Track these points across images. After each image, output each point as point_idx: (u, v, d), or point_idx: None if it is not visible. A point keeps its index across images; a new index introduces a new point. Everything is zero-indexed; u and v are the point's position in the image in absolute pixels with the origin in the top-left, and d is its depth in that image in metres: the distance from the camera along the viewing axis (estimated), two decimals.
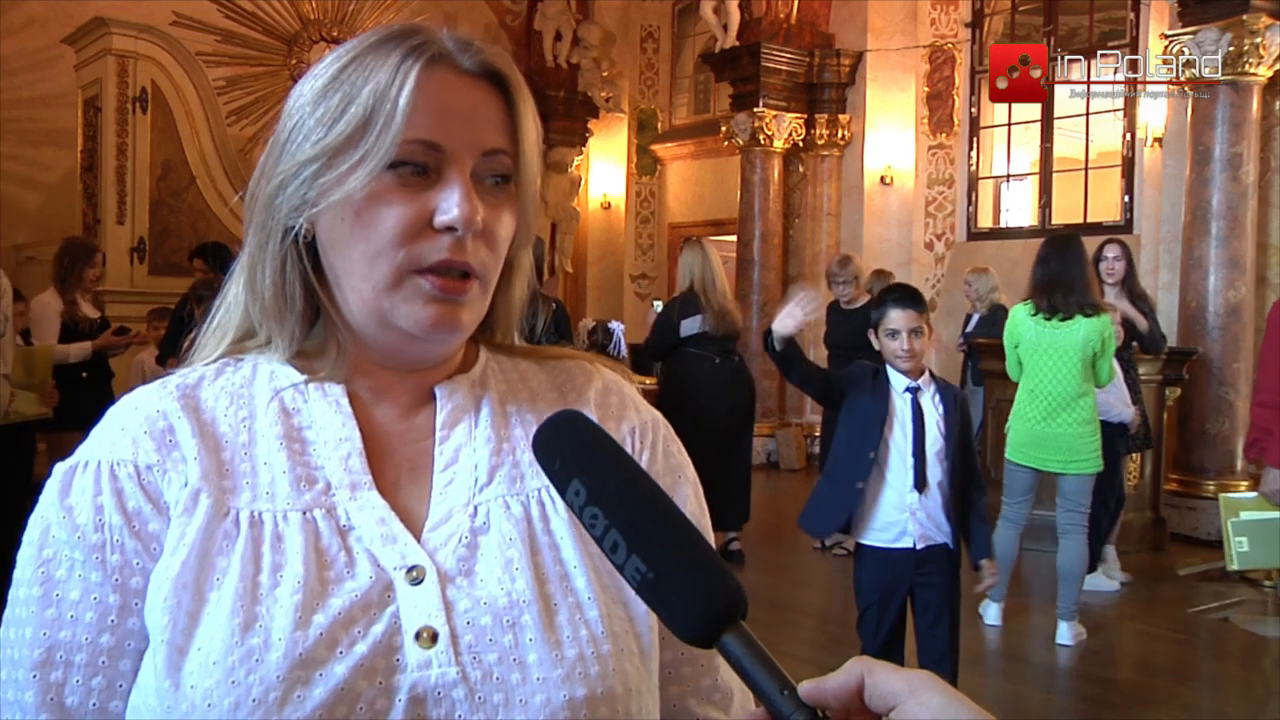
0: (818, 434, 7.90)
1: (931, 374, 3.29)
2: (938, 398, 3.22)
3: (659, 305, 7.72)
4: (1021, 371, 4.68)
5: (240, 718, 0.65)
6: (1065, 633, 4.57)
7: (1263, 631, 5.04)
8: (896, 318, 3.16)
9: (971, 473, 3.26)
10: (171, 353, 4.92)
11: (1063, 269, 4.53)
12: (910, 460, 3.15)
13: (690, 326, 5.47)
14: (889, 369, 3.21)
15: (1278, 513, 4.07)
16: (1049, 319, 4.50)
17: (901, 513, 3.16)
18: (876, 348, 3.26)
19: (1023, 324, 4.61)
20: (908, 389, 3.18)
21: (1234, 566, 4.93)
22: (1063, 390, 4.49)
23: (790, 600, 5.29)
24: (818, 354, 7.35)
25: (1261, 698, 4.21)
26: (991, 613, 4.77)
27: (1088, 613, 5.14)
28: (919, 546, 3.15)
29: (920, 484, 3.14)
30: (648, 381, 6.28)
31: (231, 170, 8.97)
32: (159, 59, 8.64)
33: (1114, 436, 5.13)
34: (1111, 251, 5.56)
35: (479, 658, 0.70)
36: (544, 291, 5.02)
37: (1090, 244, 5.01)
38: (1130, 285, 5.59)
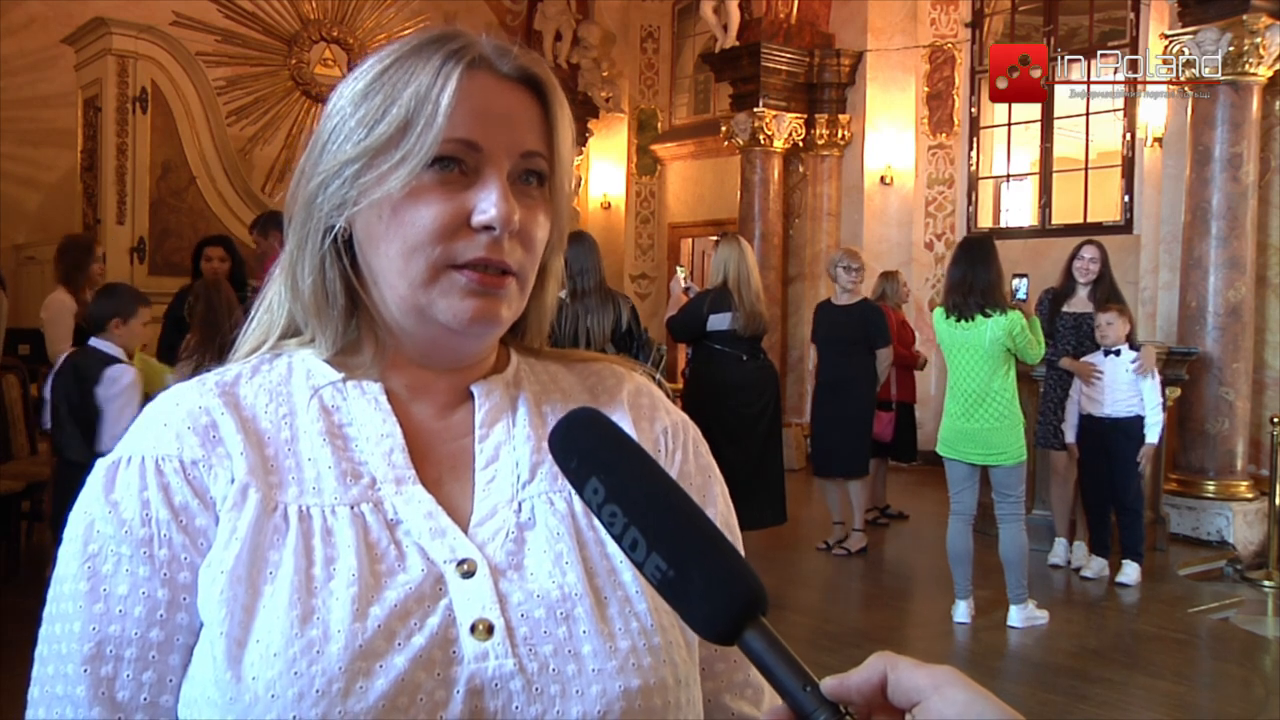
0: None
1: None
2: None
3: (682, 271, 7.68)
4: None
5: (305, 708, 0.65)
6: (1015, 615, 4.69)
7: (1263, 631, 5.05)
8: None
9: None
10: (170, 353, 4.85)
11: (967, 271, 4.67)
12: None
13: (719, 323, 5.32)
14: None
15: None
16: (958, 320, 4.65)
17: None
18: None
19: (938, 325, 4.79)
20: None
21: None
22: (976, 387, 4.64)
23: (790, 600, 5.29)
24: (808, 350, 7.34)
25: (1261, 697, 4.20)
26: (960, 610, 4.78)
27: (1088, 614, 5.15)
28: None
29: None
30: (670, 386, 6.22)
31: (231, 170, 8.96)
32: (159, 59, 8.62)
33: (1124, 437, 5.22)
34: (1089, 253, 5.66)
35: (535, 649, 0.71)
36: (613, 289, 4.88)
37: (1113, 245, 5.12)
38: (1104, 286, 5.63)
